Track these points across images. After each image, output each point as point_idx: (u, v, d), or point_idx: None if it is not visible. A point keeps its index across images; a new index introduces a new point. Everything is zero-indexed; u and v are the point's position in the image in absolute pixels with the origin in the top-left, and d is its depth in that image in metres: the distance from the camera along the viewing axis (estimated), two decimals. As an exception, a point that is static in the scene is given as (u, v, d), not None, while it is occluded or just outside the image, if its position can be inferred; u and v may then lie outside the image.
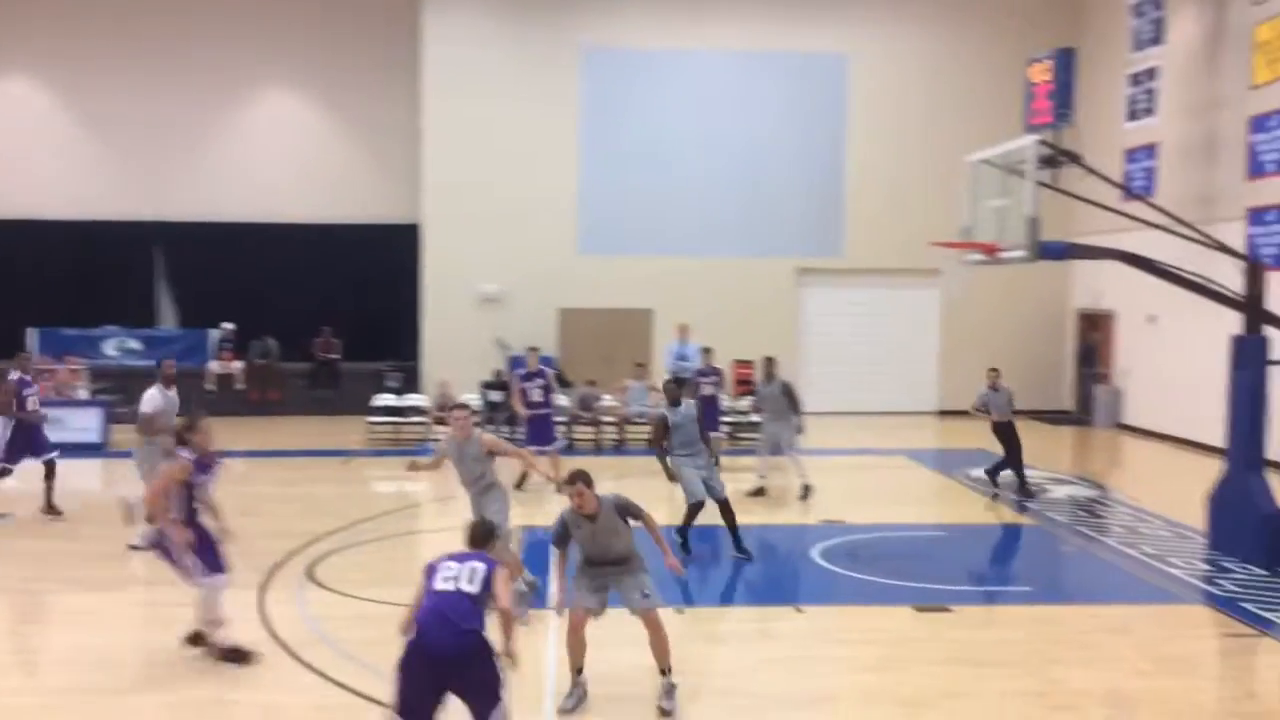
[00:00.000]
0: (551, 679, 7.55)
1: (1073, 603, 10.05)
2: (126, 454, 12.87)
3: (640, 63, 22.67)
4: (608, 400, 19.39)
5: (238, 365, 22.23)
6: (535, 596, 9.26)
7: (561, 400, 19.47)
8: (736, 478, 15.39)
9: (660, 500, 12.36)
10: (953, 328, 23.13)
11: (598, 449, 18.48)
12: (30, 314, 21.97)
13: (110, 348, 22.45)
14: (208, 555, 7.85)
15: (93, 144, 23.35)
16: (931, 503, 14.99)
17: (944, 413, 23.14)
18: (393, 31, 23.20)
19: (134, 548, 10.28)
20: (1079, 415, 22.71)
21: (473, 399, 19.03)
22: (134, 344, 22.57)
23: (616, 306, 22.58)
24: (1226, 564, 10.92)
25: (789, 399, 14.16)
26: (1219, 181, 17.45)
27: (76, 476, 14.25)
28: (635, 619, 7.22)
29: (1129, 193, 14.89)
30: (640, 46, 22.66)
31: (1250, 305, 11.41)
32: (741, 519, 11.36)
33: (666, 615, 7.60)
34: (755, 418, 16.45)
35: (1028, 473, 14.82)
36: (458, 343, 21.92)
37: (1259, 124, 15.26)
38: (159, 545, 7.90)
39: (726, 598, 10.52)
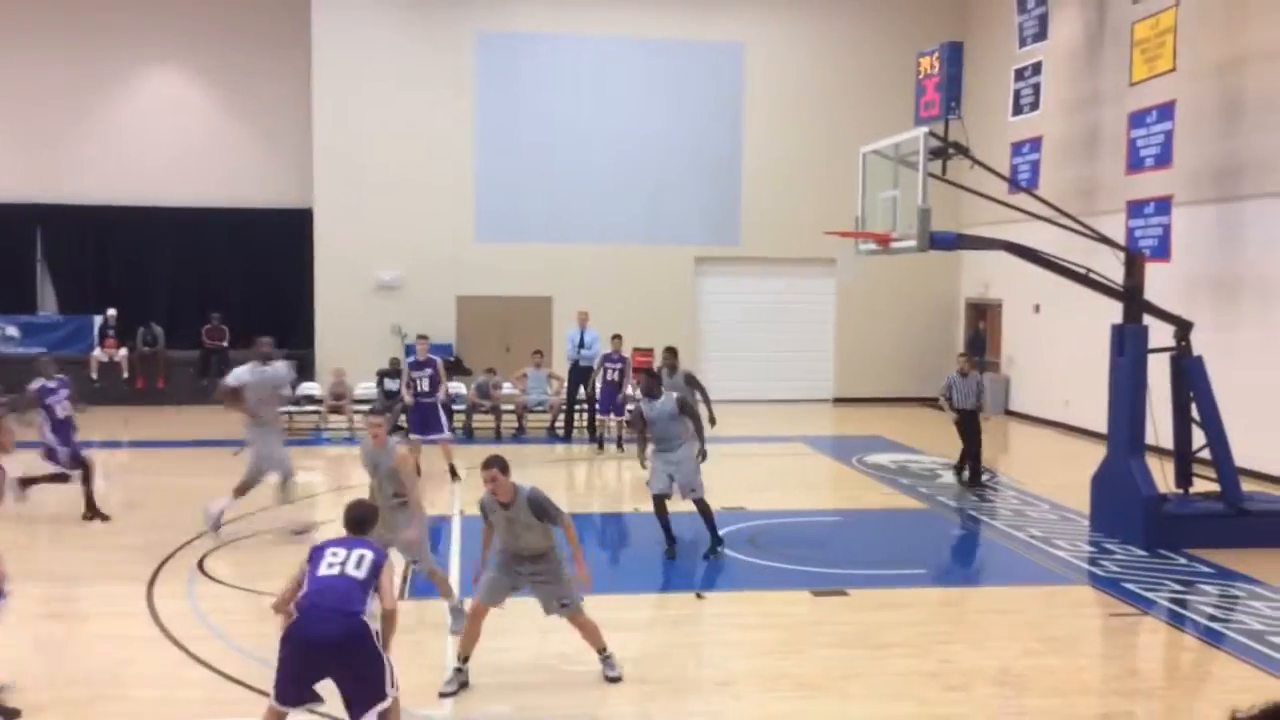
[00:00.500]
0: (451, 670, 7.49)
1: (964, 585, 10.33)
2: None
3: (537, 48, 22.53)
4: (507, 388, 19.28)
5: (122, 353, 21.54)
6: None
7: (457, 389, 19.31)
8: (639, 467, 15.45)
9: (558, 488, 12.31)
10: (848, 317, 23.54)
11: (497, 437, 18.36)
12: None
13: (-14, 335, 21.61)
14: None
15: (-35, 122, 22.39)
16: (828, 489, 15.23)
17: (839, 400, 23.54)
18: (283, 11, 22.66)
19: None
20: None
21: (369, 387, 18.76)
22: (12, 331, 21.72)
23: (515, 294, 22.45)
24: (1109, 545, 11.33)
25: (693, 389, 13.68)
26: (1100, 175, 18.05)
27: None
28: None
29: (1015, 185, 15.30)
30: (536, 31, 22.51)
31: (1130, 295, 11.82)
32: (645, 508, 11.37)
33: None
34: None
35: (922, 460, 15.12)
36: (353, 330, 21.57)
37: (1137, 120, 15.78)
38: None
39: (628, 585, 10.54)
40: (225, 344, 22.04)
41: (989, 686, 7.61)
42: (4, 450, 7.34)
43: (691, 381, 13.76)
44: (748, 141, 23.16)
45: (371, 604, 5.75)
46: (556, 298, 22.34)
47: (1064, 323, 18.82)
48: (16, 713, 6.69)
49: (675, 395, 11.12)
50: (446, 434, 14.83)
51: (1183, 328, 11.92)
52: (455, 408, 19.13)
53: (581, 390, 18.20)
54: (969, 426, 14.33)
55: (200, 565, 10.15)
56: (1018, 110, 19.09)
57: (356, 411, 18.09)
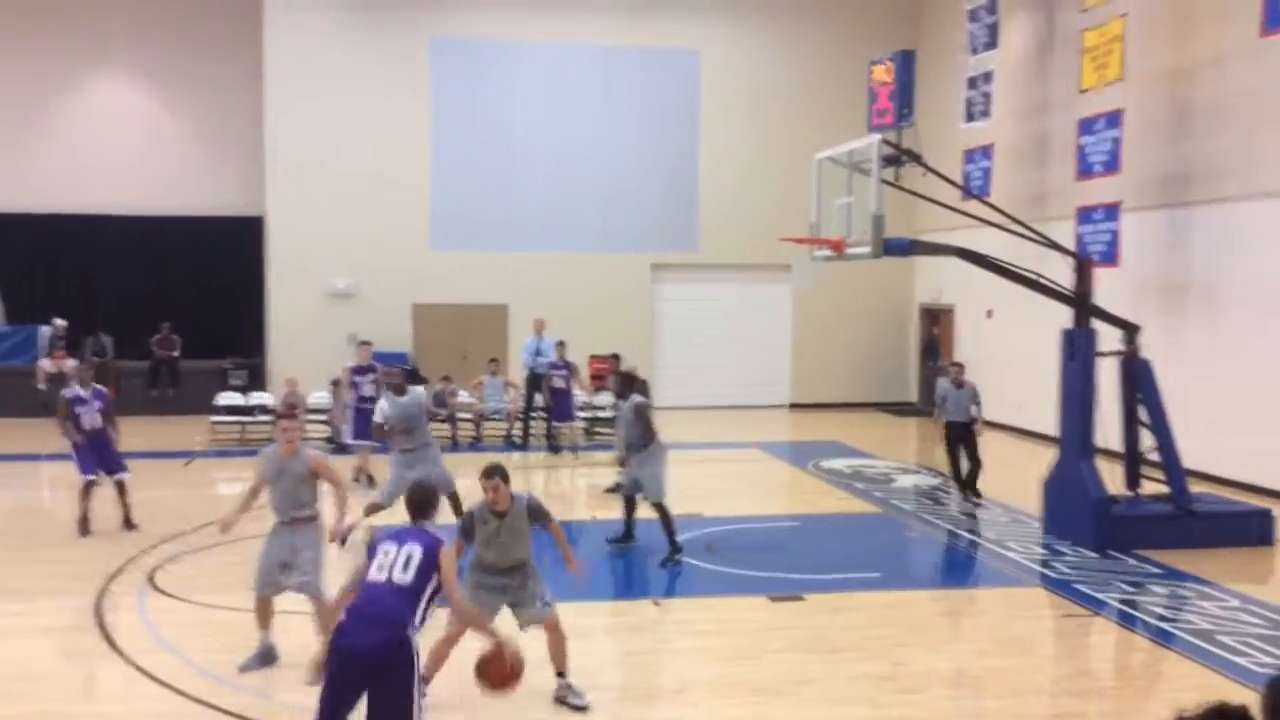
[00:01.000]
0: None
1: (919, 588, 10.39)
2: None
3: (493, 55, 22.48)
4: (464, 396, 19.19)
5: (70, 363, 21.16)
6: None
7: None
8: (594, 474, 15.46)
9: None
10: (804, 323, 23.67)
11: (454, 446, 18.26)
12: None
13: (-70, 346, 21.20)
14: None
15: (-93, 129, 21.98)
16: (785, 494, 15.29)
17: (795, 406, 23.65)
18: (233, 16, 22.45)
19: None
20: (922, 407, 23.50)
21: (322, 397, 18.61)
22: (-43, 342, 21.35)
23: (472, 302, 22.36)
24: (1060, 547, 11.45)
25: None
26: (1050, 181, 18.28)
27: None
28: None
29: (967, 192, 15.45)
30: (492, 38, 22.46)
31: (1080, 300, 11.98)
32: (603, 515, 11.36)
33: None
34: (613, 413, 16.38)
35: (877, 464, 15.20)
36: (306, 339, 21.38)
37: (1086, 126, 16.01)
38: None
39: (585, 593, 10.50)
40: (175, 354, 21.77)
41: (943, 688, 7.67)
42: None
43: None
44: (704, 149, 23.23)
45: (420, 614, 5.44)
46: (513, 305, 22.27)
47: (1015, 327, 19.03)
48: None
49: (634, 403, 11.18)
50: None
51: (1131, 332, 12.09)
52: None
53: (538, 398, 18.17)
54: (963, 439, 13.60)
55: (151, 579, 10.00)
56: (970, 118, 19.31)
57: (310, 422, 17.92)
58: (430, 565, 5.48)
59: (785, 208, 19.87)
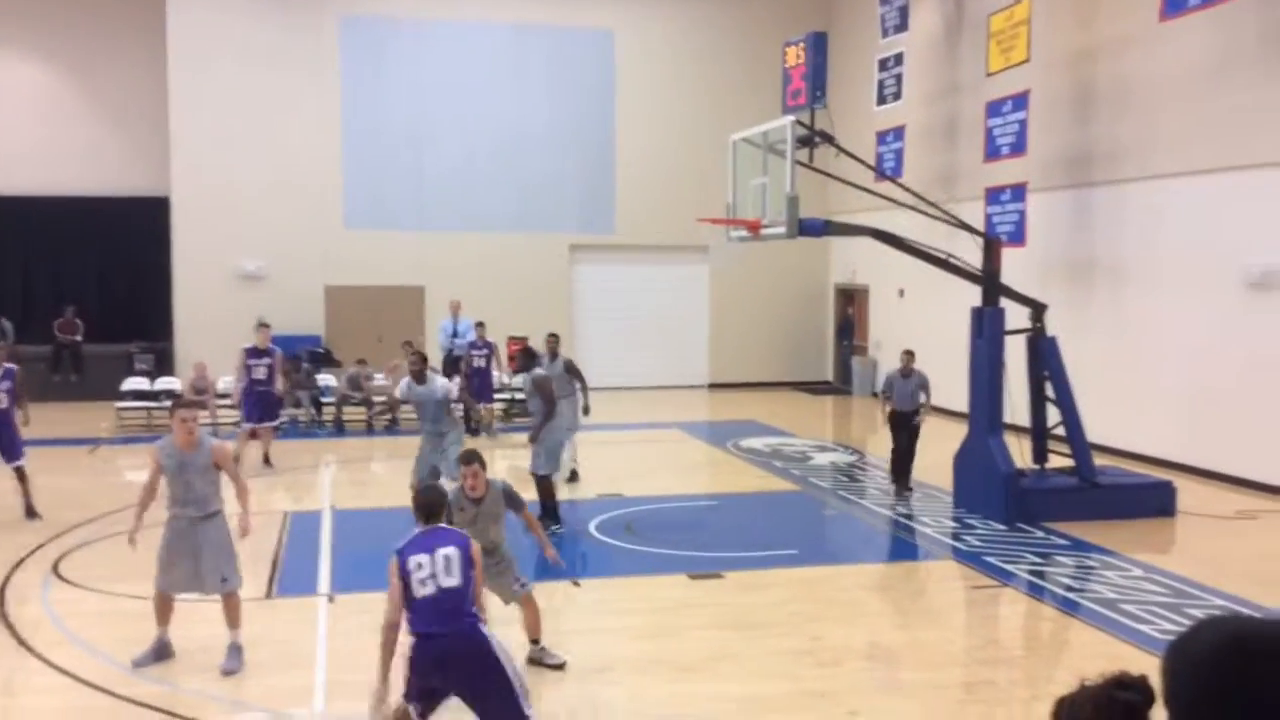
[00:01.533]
0: (322, 668, 7.35)
1: (835, 563, 10.55)
2: None
3: (403, 32, 22.15)
4: (379, 379, 18.93)
5: (-32, 350, 20.49)
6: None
7: (327, 381, 18.98)
8: (513, 455, 15.40)
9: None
10: (721, 303, 23.80)
11: (369, 429, 18.04)
12: None
13: None
14: None
15: None
16: (704, 473, 15.39)
17: (714, 386, 23.81)
18: (137, -8, 21.79)
19: None
20: (838, 385, 23.85)
21: (231, 381, 18.21)
22: None
23: (387, 284, 22.07)
24: (970, 521, 11.71)
25: (572, 377, 13.72)
26: (960, 163, 18.60)
27: None
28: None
29: (880, 173, 15.66)
30: (403, 17, 22.13)
31: (988, 279, 12.22)
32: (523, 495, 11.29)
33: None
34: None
35: (795, 443, 15.34)
36: (215, 322, 20.91)
37: (994, 109, 16.32)
38: None
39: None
40: (79, 338, 21.17)
41: (859, 661, 7.80)
42: None
43: (571, 369, 13.71)
44: (620, 129, 23.18)
45: (476, 605, 5.53)
46: (429, 287, 22.05)
47: (927, 306, 19.36)
48: None
49: (532, 375, 11.34)
50: (273, 423, 14.86)
51: (1038, 310, 12.38)
52: (325, 400, 18.78)
53: (456, 379, 18.00)
54: (904, 428, 13.16)
55: (56, 569, 9.72)
56: (881, 100, 19.57)
57: (220, 407, 17.56)
58: (468, 561, 5.50)
59: (702, 189, 19.95)
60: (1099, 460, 12.56)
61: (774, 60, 14.31)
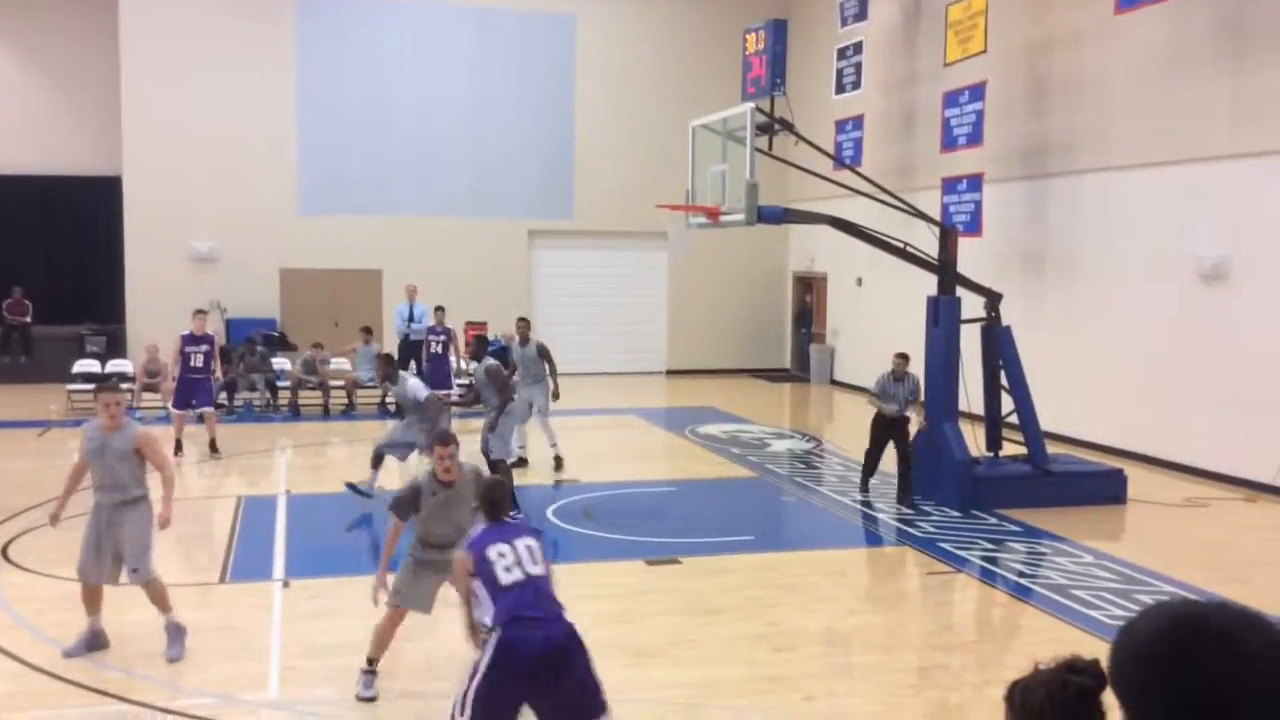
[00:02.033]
0: (276, 654, 7.30)
1: (791, 549, 10.62)
2: None
3: (361, 15, 21.91)
4: (336, 364, 18.80)
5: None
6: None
7: (282, 364, 18.81)
8: (470, 441, 15.32)
9: (391, 465, 12.10)
10: (680, 290, 23.82)
11: (325, 414, 17.91)
12: None
13: None
14: None
15: None
16: (662, 460, 15.41)
17: (672, 372, 23.85)
18: (88, -33, 21.39)
19: None
20: (796, 373, 23.97)
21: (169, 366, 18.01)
22: None
23: (343, 267, 21.88)
24: (926, 507, 11.82)
25: (544, 360, 13.74)
26: (917, 153, 18.73)
27: None
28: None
29: (839, 161, 15.73)
30: (363, -2, 21.89)
31: (944, 268, 12.33)
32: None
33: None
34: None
35: (752, 429, 15.38)
36: (167, 304, 20.55)
37: (951, 100, 16.43)
38: None
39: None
40: (28, 319, 20.83)
41: (815, 646, 7.87)
42: None
43: (543, 353, 13.76)
44: (579, 115, 23.09)
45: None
46: (386, 271, 21.88)
47: (884, 295, 19.50)
48: None
49: (485, 364, 11.47)
50: (210, 408, 14.53)
51: (993, 299, 12.50)
52: (280, 384, 18.60)
53: (412, 365, 17.91)
54: (894, 433, 12.17)
55: (4, 553, 9.58)
56: (840, 89, 19.62)
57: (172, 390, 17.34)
58: (544, 551, 5.38)
59: (660, 175, 19.93)
60: (1051, 448, 12.73)
61: (734, 47, 14.31)
